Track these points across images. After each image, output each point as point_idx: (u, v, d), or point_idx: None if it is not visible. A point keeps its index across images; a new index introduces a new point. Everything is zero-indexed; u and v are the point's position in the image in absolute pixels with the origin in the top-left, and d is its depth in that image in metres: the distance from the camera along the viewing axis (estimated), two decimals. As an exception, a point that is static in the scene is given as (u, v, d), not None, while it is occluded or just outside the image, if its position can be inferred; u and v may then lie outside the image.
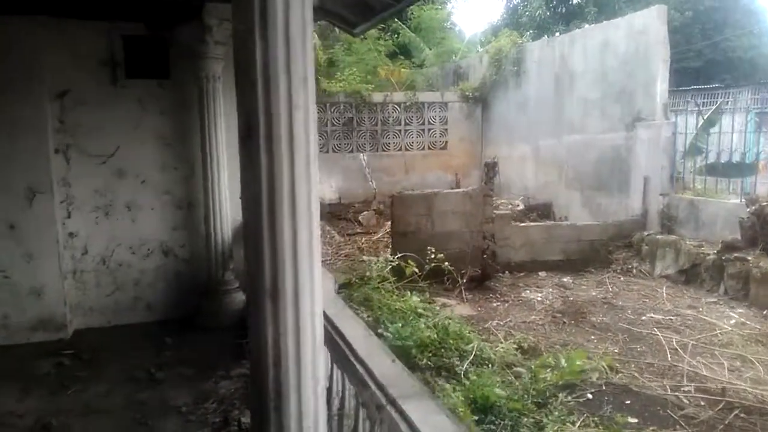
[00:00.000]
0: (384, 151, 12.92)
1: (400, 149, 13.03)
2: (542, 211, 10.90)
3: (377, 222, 10.90)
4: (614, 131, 9.21)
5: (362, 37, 14.73)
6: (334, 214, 11.71)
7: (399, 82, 13.95)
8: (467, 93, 13.19)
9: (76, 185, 6.06)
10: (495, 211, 8.12)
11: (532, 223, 8.30)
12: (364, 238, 9.72)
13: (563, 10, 21.27)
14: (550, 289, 7.16)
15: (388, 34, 15.71)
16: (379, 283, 6.23)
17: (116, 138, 6.14)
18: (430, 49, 15.63)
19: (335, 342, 2.23)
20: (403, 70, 14.58)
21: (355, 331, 2.26)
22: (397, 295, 6.09)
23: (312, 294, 1.64)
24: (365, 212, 11.30)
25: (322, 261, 1.74)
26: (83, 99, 6.00)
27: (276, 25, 1.53)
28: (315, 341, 1.66)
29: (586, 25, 14.94)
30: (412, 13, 16.27)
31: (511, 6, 22.90)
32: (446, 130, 13.31)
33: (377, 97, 12.73)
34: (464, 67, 14.46)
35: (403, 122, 12.99)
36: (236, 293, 6.07)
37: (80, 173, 6.06)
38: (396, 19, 16.11)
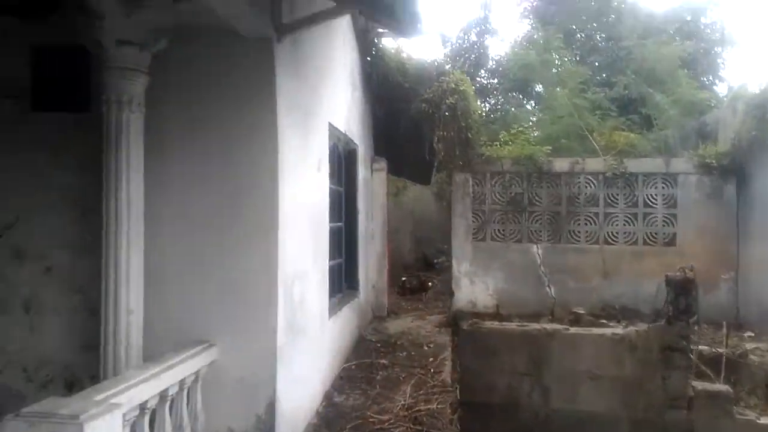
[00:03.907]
0: (571, 242, 9.01)
1: (596, 241, 8.95)
2: (839, 369, 5.89)
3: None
4: None
5: (562, 87, 11.29)
6: (478, 327, 8.21)
7: (610, 148, 9.88)
8: (709, 161, 8.69)
9: (-40, 269, 4.15)
10: (698, 385, 4.00)
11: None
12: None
13: None
14: None
15: (598, 87, 11.73)
16: None
17: (16, 202, 4.12)
18: (668, 102, 11.11)
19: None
20: (619, 132, 10.45)
21: None
22: None
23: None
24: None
25: None
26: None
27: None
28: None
29: None
30: (630, 54, 11.96)
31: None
32: (674, 215, 8.88)
33: (561, 164, 9.04)
34: (711, 123, 9.87)
35: (602, 202, 9.00)
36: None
37: (-34, 252, 4.16)
38: (616, 61, 12.14)
